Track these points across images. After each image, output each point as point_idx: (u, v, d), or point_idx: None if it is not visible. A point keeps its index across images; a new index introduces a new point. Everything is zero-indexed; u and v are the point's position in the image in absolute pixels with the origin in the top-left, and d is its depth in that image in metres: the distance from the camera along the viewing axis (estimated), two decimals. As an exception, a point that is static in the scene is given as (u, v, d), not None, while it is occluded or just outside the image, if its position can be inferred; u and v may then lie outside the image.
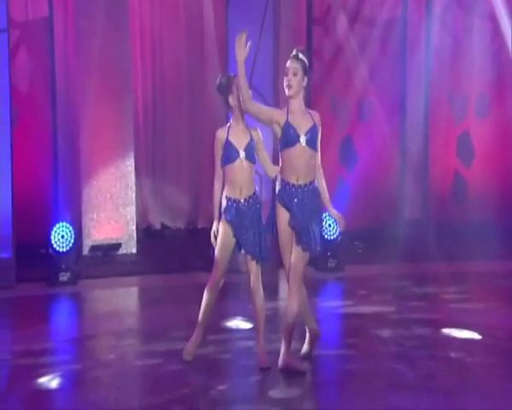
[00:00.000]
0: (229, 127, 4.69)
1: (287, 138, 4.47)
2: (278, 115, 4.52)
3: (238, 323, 5.85)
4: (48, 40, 7.98)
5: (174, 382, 4.52)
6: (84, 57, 8.02)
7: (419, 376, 4.56)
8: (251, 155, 4.63)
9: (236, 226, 4.62)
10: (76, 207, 8.07)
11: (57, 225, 7.35)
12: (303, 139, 4.43)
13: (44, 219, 7.75)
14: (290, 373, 4.49)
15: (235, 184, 4.61)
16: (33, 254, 7.55)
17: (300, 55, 4.54)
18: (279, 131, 4.50)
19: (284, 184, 4.51)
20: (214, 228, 4.70)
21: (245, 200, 4.62)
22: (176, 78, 8.87)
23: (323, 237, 4.76)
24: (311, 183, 4.51)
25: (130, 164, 8.20)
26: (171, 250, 8.34)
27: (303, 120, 4.49)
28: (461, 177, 9.40)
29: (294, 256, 4.50)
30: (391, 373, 4.63)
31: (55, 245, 7.29)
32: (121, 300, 7.09)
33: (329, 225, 7.81)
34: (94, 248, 8.05)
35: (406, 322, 5.75)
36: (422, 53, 9.14)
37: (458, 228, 8.77)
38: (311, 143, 4.47)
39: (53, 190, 7.99)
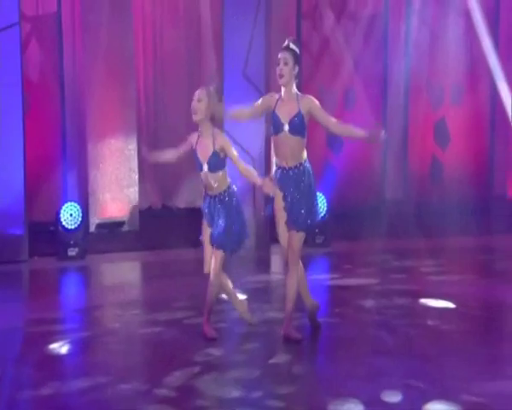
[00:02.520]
0: (198, 137, 4.56)
1: (273, 127, 4.42)
2: (270, 103, 4.46)
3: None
4: (57, 33, 7.87)
5: (174, 348, 4.48)
6: (91, 48, 7.90)
7: (399, 342, 4.54)
8: (213, 166, 4.48)
9: (207, 216, 4.56)
10: (83, 188, 8.00)
11: (66, 205, 7.28)
12: (286, 127, 4.34)
13: (54, 198, 7.68)
14: (284, 340, 4.46)
15: (205, 186, 4.57)
16: (44, 231, 7.48)
17: (291, 45, 4.42)
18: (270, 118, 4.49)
19: (277, 168, 4.47)
20: None
21: (217, 194, 4.53)
22: (175, 66, 8.74)
23: (316, 211, 4.54)
24: (300, 164, 4.41)
25: (133, 148, 8.10)
26: (171, 228, 8.26)
27: (289, 109, 4.37)
28: (437, 159, 9.38)
29: (290, 237, 4.45)
30: (374, 340, 4.60)
31: (64, 223, 7.22)
32: (125, 273, 7.04)
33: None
34: (100, 225, 7.98)
35: (388, 293, 5.72)
36: (402, 46, 9.06)
37: (435, 206, 8.77)
38: (294, 130, 4.35)
39: (62, 171, 7.92)
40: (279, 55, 4.41)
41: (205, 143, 4.51)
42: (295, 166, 4.40)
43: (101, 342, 4.71)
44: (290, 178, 4.39)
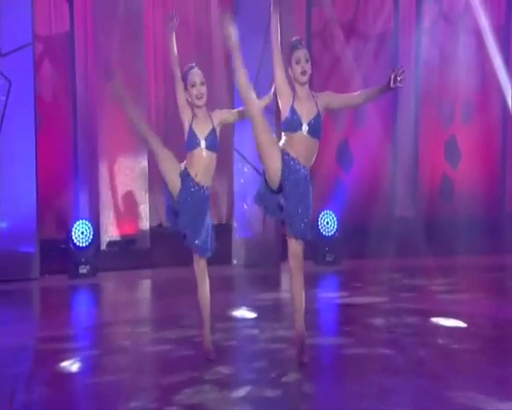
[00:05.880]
0: (193, 115, 4.35)
1: (289, 123, 4.12)
2: (287, 94, 4.16)
3: (244, 312, 5.85)
4: (69, 53, 8.02)
5: (184, 366, 4.50)
6: (102, 68, 8.02)
7: (409, 361, 4.53)
8: (211, 144, 4.28)
9: (190, 206, 4.26)
10: (95, 206, 8.09)
11: (77, 223, 7.36)
12: (305, 128, 4.11)
13: (66, 216, 7.78)
14: (292, 359, 4.48)
15: (193, 167, 4.30)
16: (56, 249, 7.56)
17: (302, 42, 4.27)
18: (285, 111, 4.14)
19: (288, 156, 4.13)
20: None
21: (199, 185, 4.28)
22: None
23: (311, 222, 4.30)
24: (308, 167, 4.18)
25: (143, 166, 8.20)
26: (181, 245, 8.31)
27: (308, 108, 4.14)
28: (448, 177, 9.39)
29: (292, 245, 4.25)
30: (383, 358, 4.59)
31: (75, 241, 7.30)
32: (136, 291, 7.09)
33: (327, 223, 7.80)
34: (111, 243, 8.06)
35: (397, 311, 5.72)
36: (412, 64, 9.11)
37: (445, 224, 8.76)
38: (313, 132, 4.14)
39: (74, 190, 8.02)
40: (297, 53, 4.17)
41: (202, 122, 4.33)
42: (304, 167, 4.16)
43: (112, 359, 4.73)
44: (298, 173, 4.11)
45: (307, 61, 4.21)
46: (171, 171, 4.35)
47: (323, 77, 9.01)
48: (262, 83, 7.76)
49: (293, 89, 4.22)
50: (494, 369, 4.39)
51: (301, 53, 4.21)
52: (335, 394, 4.09)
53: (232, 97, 7.98)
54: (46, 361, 4.66)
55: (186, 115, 4.39)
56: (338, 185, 8.65)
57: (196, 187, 4.32)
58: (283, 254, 7.07)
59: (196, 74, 4.36)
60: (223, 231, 8.25)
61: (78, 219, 7.40)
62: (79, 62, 8.18)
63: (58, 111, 8.13)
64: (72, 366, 4.60)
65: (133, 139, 8.15)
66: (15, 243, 7.09)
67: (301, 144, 4.15)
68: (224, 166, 8.43)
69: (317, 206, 8.05)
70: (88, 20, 8.30)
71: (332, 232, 7.74)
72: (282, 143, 4.21)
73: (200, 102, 4.34)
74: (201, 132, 4.33)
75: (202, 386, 4.12)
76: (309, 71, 4.21)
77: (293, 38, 4.33)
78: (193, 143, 4.32)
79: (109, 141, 8.07)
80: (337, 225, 7.78)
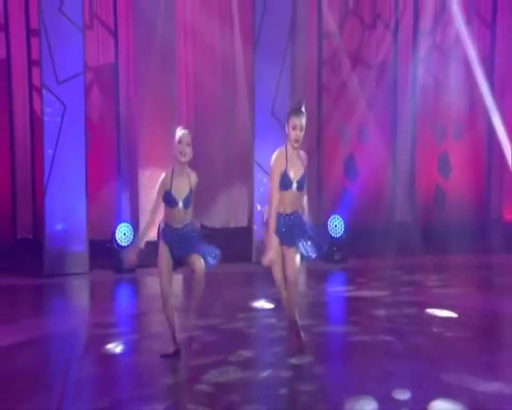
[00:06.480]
0: (172, 175, 4.30)
1: (283, 184, 4.21)
2: (281, 167, 4.20)
3: (263, 303, 5.83)
4: (114, 80, 8.10)
5: (211, 350, 4.51)
6: (142, 93, 8.09)
7: (408, 347, 4.50)
8: (188, 203, 4.31)
9: (174, 247, 4.35)
10: (135, 211, 8.13)
11: (120, 225, 7.40)
12: (294, 185, 4.22)
13: (110, 220, 7.84)
14: (304, 344, 4.44)
15: (173, 221, 4.36)
16: (102, 248, 7.62)
17: (303, 108, 4.16)
18: (279, 176, 4.22)
19: (278, 215, 4.25)
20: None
21: (179, 229, 4.34)
22: (213, 108, 8.88)
23: (320, 241, 4.35)
24: (296, 211, 4.28)
25: (176, 177, 8.24)
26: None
27: (297, 169, 4.21)
28: (441, 187, 9.32)
29: (292, 258, 4.23)
30: (385, 345, 4.56)
31: (118, 241, 7.34)
32: (170, 284, 7.09)
33: (335, 226, 7.76)
34: (149, 243, 8.08)
35: (397, 303, 5.68)
36: (410, 89, 9.07)
37: (439, 228, 8.70)
38: (299, 188, 4.25)
39: (118, 197, 8.08)
40: (295, 121, 4.10)
41: (180, 182, 4.31)
42: (292, 213, 4.26)
43: (149, 344, 4.75)
44: (287, 223, 4.23)
45: (302, 129, 4.15)
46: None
47: (332, 100, 8.99)
48: (279, 103, 7.83)
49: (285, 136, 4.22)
50: (483, 354, 4.34)
51: (298, 121, 4.14)
52: (342, 375, 4.07)
53: (253, 124, 7.99)
54: (94, 344, 4.70)
55: (161, 190, 4.36)
56: (345, 193, 8.62)
57: (179, 231, 4.36)
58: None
59: (184, 135, 4.30)
60: (244, 234, 8.25)
61: (121, 222, 7.45)
62: (122, 88, 8.27)
63: (104, 130, 8.21)
64: (115, 348, 4.63)
65: (167, 154, 8.19)
66: (68, 242, 7.17)
67: (292, 198, 4.25)
68: (245, 176, 8.47)
69: (326, 211, 8.08)
70: (130, 53, 8.38)
71: (340, 234, 7.71)
72: (276, 201, 4.25)
73: (183, 160, 4.30)
74: (180, 194, 4.31)
75: (227, 367, 4.12)
76: (301, 138, 4.17)
77: (297, 100, 4.26)
78: (172, 203, 4.31)
79: (147, 154, 8.12)
80: (344, 227, 7.75)
